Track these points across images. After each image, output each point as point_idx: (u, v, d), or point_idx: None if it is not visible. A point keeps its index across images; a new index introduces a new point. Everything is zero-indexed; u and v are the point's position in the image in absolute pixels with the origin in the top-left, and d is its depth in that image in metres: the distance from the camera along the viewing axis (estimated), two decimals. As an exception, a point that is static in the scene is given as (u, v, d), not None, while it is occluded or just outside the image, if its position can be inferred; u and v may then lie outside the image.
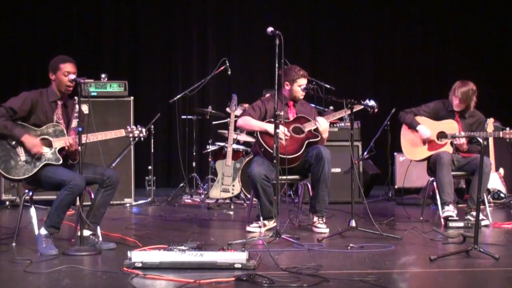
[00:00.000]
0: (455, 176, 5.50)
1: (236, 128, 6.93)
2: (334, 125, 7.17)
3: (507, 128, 5.37)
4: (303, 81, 5.24)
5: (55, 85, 4.41)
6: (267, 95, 5.71)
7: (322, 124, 5.16)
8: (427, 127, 5.59)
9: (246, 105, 7.01)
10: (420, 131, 5.58)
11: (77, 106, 4.51)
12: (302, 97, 5.31)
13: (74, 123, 4.47)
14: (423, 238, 4.65)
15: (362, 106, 5.15)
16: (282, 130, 4.99)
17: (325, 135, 5.23)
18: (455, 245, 4.27)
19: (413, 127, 5.63)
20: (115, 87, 7.04)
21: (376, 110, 5.23)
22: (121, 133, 4.51)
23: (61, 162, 4.31)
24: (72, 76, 4.33)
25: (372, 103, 5.14)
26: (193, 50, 9.79)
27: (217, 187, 6.84)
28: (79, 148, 4.19)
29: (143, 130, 4.60)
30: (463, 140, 5.41)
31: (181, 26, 9.83)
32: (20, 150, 4.24)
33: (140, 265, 3.56)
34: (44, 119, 4.36)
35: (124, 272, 3.51)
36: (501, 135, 5.35)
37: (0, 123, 4.19)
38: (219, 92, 9.54)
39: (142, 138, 4.64)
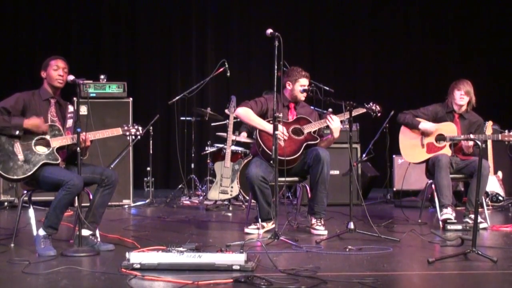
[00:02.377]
0: (453, 179, 5.49)
1: (234, 130, 6.93)
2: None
3: (506, 131, 5.36)
4: (305, 82, 5.23)
5: (47, 82, 4.46)
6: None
7: (335, 122, 5.10)
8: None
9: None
10: (423, 127, 5.55)
11: (70, 106, 4.54)
12: (303, 98, 5.30)
13: (69, 123, 4.49)
14: (421, 241, 4.66)
15: (365, 110, 5.16)
16: (281, 131, 4.98)
17: (336, 135, 5.15)
18: (453, 247, 4.27)
19: (414, 126, 5.61)
20: (114, 88, 7.04)
21: (379, 114, 5.25)
22: (117, 131, 4.53)
23: (59, 161, 4.32)
24: (71, 77, 4.36)
25: (374, 106, 5.16)
26: (192, 51, 9.80)
27: (215, 189, 6.83)
28: (78, 149, 4.19)
29: (140, 128, 4.62)
30: (471, 143, 5.39)
31: (180, 27, 9.84)
32: (18, 150, 4.24)
33: (138, 266, 3.55)
34: None
35: (122, 273, 3.50)
36: (500, 138, 5.34)
37: None
38: (218, 93, 9.54)
39: (138, 136, 4.69)
